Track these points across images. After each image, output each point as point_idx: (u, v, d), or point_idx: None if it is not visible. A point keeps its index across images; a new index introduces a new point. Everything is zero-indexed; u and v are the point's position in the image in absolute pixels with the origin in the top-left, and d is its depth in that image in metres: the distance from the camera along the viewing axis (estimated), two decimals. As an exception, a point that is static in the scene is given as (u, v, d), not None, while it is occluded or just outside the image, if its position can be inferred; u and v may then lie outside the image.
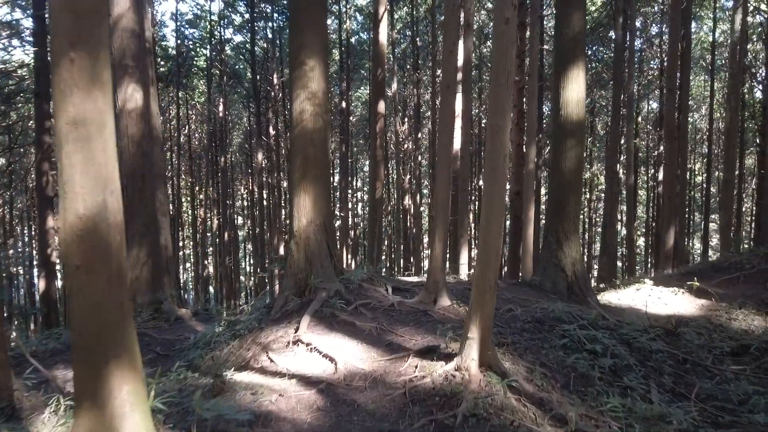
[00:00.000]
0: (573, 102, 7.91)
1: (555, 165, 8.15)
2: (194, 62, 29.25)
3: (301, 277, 6.05)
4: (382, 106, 15.32)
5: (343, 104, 26.48)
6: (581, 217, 28.75)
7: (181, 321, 8.45)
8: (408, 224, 29.96)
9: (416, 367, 4.32)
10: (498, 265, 3.86)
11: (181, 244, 40.72)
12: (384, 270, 27.23)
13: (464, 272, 12.24)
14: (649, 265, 25.00)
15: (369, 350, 4.73)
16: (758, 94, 24.62)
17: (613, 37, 16.19)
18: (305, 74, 6.12)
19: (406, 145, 27.02)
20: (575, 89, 7.89)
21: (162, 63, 28.31)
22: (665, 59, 26.12)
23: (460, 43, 18.03)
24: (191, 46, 29.02)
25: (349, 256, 31.97)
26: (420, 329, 5.16)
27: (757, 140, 20.61)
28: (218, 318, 8.86)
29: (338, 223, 35.33)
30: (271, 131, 26.69)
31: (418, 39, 27.66)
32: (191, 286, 38.23)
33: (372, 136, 15.55)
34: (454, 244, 15.93)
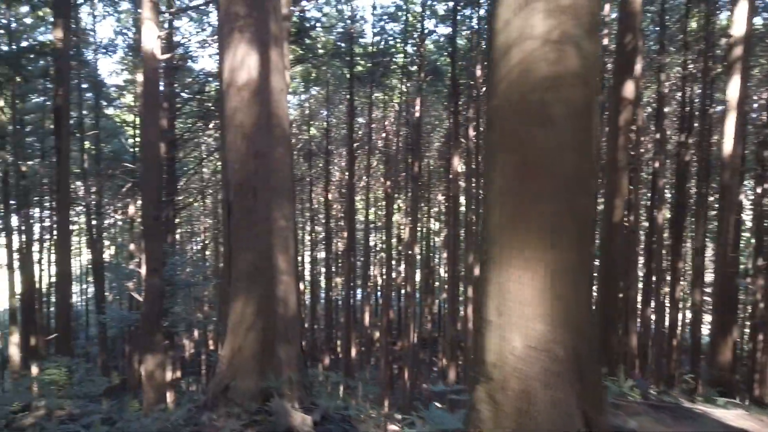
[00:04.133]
0: None
1: None
2: (393, 60, 26.92)
3: None
4: (630, 89, 10.28)
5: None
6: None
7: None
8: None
9: None
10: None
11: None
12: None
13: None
14: None
15: None
16: None
17: None
18: None
19: (643, 149, 20.67)
20: None
21: (362, 62, 26.63)
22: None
23: None
24: (391, 42, 26.82)
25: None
26: None
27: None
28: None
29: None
30: (471, 132, 22.92)
31: None
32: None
33: (612, 134, 10.60)
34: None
